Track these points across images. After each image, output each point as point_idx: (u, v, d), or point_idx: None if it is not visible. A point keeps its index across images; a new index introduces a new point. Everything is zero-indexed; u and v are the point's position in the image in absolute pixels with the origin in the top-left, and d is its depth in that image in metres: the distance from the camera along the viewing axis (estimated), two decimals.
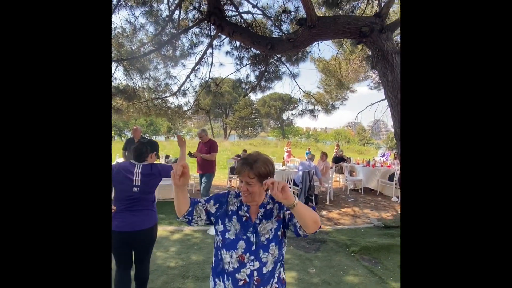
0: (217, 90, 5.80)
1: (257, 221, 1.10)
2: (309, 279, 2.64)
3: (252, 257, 1.06)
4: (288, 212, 1.09)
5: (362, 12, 4.75)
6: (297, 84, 5.87)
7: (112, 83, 4.96)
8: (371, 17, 3.68)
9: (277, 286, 1.11)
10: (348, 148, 22.28)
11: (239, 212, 1.13)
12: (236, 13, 4.86)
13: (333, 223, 4.41)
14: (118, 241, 1.82)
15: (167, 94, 5.94)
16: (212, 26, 4.55)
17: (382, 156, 9.27)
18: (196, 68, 5.37)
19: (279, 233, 1.10)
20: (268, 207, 1.14)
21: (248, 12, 5.00)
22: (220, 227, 1.12)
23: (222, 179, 7.52)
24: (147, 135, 24.82)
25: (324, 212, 4.95)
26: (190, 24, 5.15)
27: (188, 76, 5.51)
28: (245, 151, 6.86)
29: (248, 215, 1.12)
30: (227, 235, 1.09)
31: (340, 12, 4.61)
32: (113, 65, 4.79)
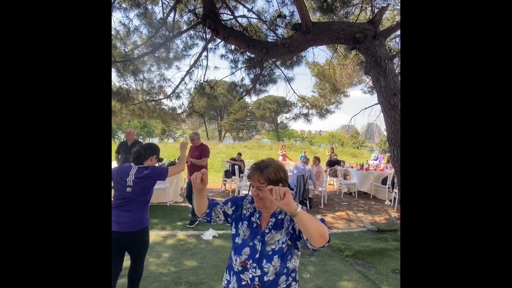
0: (211, 92, 5.78)
1: (266, 230, 1.10)
2: (303, 284, 2.63)
3: (254, 264, 1.06)
4: None
5: (356, 18, 4.82)
6: (292, 89, 5.90)
7: None
8: (364, 23, 3.73)
9: None
10: (342, 151, 22.46)
11: (251, 218, 1.15)
12: (232, 17, 4.87)
13: (327, 227, 4.42)
14: (116, 242, 1.88)
15: (161, 97, 5.90)
16: (207, 30, 4.54)
17: (376, 160, 9.37)
18: (191, 70, 5.35)
19: (284, 245, 1.06)
20: (280, 217, 1.12)
21: (244, 16, 5.02)
22: (233, 230, 1.17)
23: (216, 182, 7.47)
24: (141, 137, 24.55)
25: (318, 216, 4.95)
26: (184, 27, 5.14)
27: (182, 79, 5.48)
28: (239, 154, 6.84)
29: (259, 222, 1.13)
30: (236, 239, 1.13)
31: (334, 17, 4.66)
32: None
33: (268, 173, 1.07)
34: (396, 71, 4.61)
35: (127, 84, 5.53)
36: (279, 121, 34.40)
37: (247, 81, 6.04)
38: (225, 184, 6.57)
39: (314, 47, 4.70)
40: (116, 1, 4.24)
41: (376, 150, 23.14)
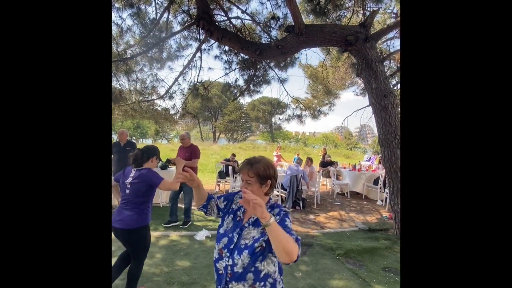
0: (205, 93, 5.79)
1: (246, 225, 1.14)
2: (295, 283, 2.66)
3: (228, 254, 1.10)
4: None
5: (348, 21, 4.91)
6: (285, 90, 5.96)
7: None
8: (356, 26, 3.81)
9: None
10: (336, 152, 22.67)
11: (238, 212, 1.20)
12: (226, 18, 4.89)
13: (319, 227, 4.47)
14: (115, 235, 2.06)
15: (154, 97, 5.87)
16: (201, 30, 4.56)
17: (368, 161, 9.50)
18: (184, 71, 5.35)
19: (257, 244, 1.06)
20: None
21: (237, 17, 5.05)
22: (220, 221, 1.23)
23: (210, 183, 7.46)
24: (134, 138, 24.28)
25: (311, 216, 5.00)
26: (178, 27, 5.14)
27: (176, 79, 5.47)
28: (233, 155, 6.85)
29: (242, 216, 1.18)
30: (220, 230, 1.19)
31: (327, 20, 4.74)
32: None
33: (258, 168, 1.12)
34: (387, 74, 4.71)
35: (119, 84, 5.49)
36: (273, 122, 34.52)
37: (241, 82, 6.07)
38: (219, 185, 6.56)
39: (307, 49, 4.77)
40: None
41: (369, 151, 23.44)
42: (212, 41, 5.25)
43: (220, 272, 1.12)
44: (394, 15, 5.41)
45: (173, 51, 5.49)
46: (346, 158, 17.93)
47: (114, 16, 4.45)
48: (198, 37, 5.20)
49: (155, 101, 5.91)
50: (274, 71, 5.89)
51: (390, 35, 5.13)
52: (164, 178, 2.12)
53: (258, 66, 5.72)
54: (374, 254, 3.34)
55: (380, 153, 4.01)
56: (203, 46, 5.30)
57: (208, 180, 7.90)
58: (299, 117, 6.61)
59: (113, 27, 4.69)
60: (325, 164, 7.43)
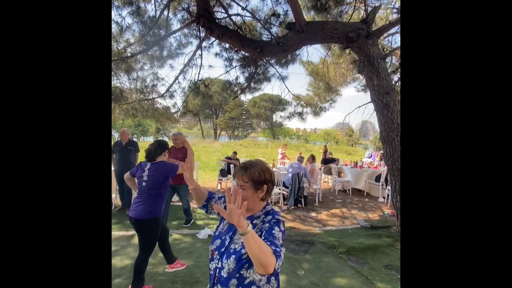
0: (206, 91, 5.77)
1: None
2: (297, 281, 2.67)
3: (218, 256, 1.09)
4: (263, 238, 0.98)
5: (349, 17, 4.85)
6: (286, 87, 5.93)
7: None
8: (357, 23, 3.76)
9: None
10: (337, 149, 22.63)
11: None
12: (226, 15, 4.85)
13: (322, 224, 4.48)
14: (132, 224, 2.25)
15: (154, 96, 5.86)
16: (201, 28, 4.52)
17: (369, 157, 9.48)
18: (185, 69, 5.32)
19: (244, 251, 1.01)
20: (254, 221, 1.10)
21: (238, 14, 5.00)
22: (218, 222, 1.23)
23: (212, 181, 7.47)
24: (135, 136, 24.31)
25: (313, 214, 5.01)
26: (178, 25, 5.10)
27: (176, 78, 5.45)
28: (235, 153, 6.85)
29: None
30: (216, 231, 1.19)
31: (328, 17, 4.69)
32: None
33: (252, 172, 1.08)
34: (389, 70, 4.66)
35: (120, 83, 5.48)
36: (274, 119, 34.46)
37: (242, 80, 6.04)
38: (220, 183, 6.57)
39: (308, 46, 4.73)
40: None
41: (371, 147, 23.39)
42: (213, 39, 5.21)
43: (211, 272, 1.13)
44: (396, 11, 5.34)
45: (173, 49, 5.47)
46: (347, 155, 17.90)
47: (113, 14, 4.42)
48: (199, 34, 5.16)
49: (155, 99, 5.90)
50: (275, 68, 5.85)
51: (392, 31, 5.07)
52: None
53: (259, 63, 5.69)
54: (376, 251, 3.34)
55: (382, 150, 3.99)
56: (204, 44, 5.27)
57: (209, 178, 7.92)
58: (300, 114, 6.58)
59: (113, 25, 4.66)
60: (327, 161, 7.42)
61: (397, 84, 5.51)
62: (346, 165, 7.24)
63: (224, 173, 6.35)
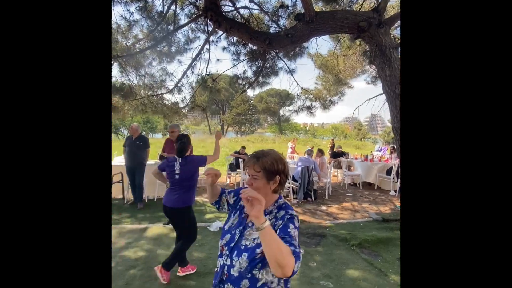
0: (213, 86, 5.76)
1: (250, 224, 1.04)
2: (310, 273, 2.66)
3: (227, 252, 1.03)
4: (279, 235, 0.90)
5: (360, 7, 4.73)
6: (295, 80, 5.86)
7: None
8: (368, 11, 3.66)
9: None
10: (346, 143, 22.37)
11: (244, 208, 1.12)
12: (233, 8, 4.81)
13: (332, 217, 4.45)
14: (165, 212, 2.51)
15: (163, 91, 5.89)
16: (209, 22, 4.50)
17: (380, 151, 9.33)
18: (193, 64, 5.32)
19: (258, 250, 0.94)
20: (267, 217, 0.99)
21: (245, 7, 4.95)
22: (227, 217, 1.18)
23: (221, 176, 7.51)
24: (144, 132, 24.68)
25: (323, 207, 4.98)
26: (185, 19, 5.09)
27: (185, 72, 5.46)
28: (243, 147, 6.86)
29: (247, 214, 1.08)
30: (225, 226, 1.13)
31: (337, 7, 4.58)
32: None
33: (265, 161, 1.02)
34: None
35: (129, 79, 5.53)
36: (281, 114, 34.27)
37: (249, 74, 6.00)
38: (229, 177, 6.61)
39: (317, 37, 4.64)
40: None
41: (380, 141, 23.02)
42: (220, 33, 5.18)
43: (217, 269, 1.07)
44: None
45: (181, 44, 5.46)
46: (356, 149, 17.68)
47: (121, 9, 4.44)
48: (206, 29, 5.14)
49: (164, 95, 5.94)
50: (283, 61, 5.78)
51: None
52: (205, 156, 2.63)
53: (267, 57, 5.63)
54: (389, 244, 3.31)
55: (393, 142, 3.91)
56: (211, 38, 5.24)
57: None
58: (309, 108, 6.51)
59: (122, 21, 4.69)
60: (336, 155, 7.34)
61: None
62: (356, 158, 7.16)
63: (233, 167, 6.37)
